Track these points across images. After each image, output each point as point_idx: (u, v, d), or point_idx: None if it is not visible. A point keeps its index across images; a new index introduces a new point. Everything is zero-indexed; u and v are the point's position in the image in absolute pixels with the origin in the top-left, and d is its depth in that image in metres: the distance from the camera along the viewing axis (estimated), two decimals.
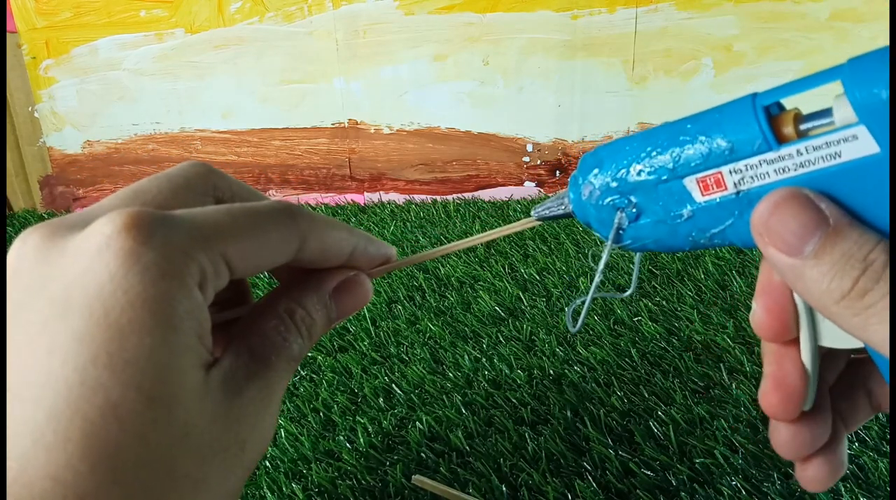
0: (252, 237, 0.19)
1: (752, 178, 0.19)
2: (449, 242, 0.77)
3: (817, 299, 0.18)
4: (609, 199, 0.22)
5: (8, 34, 0.95)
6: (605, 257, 0.23)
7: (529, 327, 0.56)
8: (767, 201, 0.18)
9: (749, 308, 0.57)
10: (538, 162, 0.97)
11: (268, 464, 0.43)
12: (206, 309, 0.18)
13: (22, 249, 0.18)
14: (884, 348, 0.17)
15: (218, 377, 0.19)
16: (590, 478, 0.40)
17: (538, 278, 0.66)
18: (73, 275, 0.17)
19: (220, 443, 0.18)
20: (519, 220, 0.25)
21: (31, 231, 0.18)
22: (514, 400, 0.47)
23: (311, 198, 1.02)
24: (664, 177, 0.20)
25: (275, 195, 1.02)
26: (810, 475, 0.23)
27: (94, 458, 0.16)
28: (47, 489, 0.16)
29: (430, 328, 0.57)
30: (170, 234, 0.17)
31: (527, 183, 0.98)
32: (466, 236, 0.78)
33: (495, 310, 0.60)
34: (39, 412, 0.16)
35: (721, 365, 0.49)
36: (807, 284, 0.18)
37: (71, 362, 0.16)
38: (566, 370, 0.50)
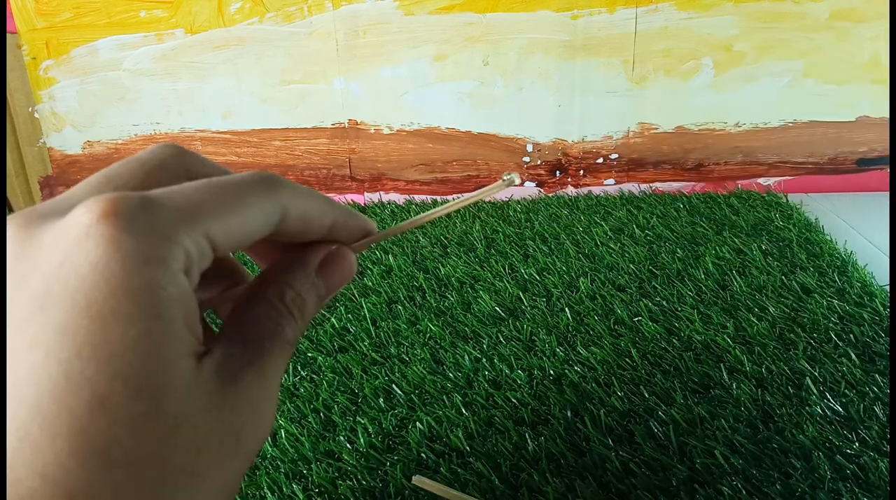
0: (234, 212, 0.19)
1: None
2: (449, 242, 0.77)
3: None
4: None
5: (8, 35, 0.95)
6: None
7: (529, 327, 0.56)
8: None
9: (749, 308, 0.57)
10: (538, 162, 0.97)
11: (268, 464, 0.43)
12: (193, 295, 0.18)
13: None
14: None
15: (211, 366, 0.18)
16: (590, 478, 0.40)
17: (538, 278, 0.66)
18: (52, 267, 0.16)
19: (214, 434, 0.18)
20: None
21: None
22: (515, 400, 0.47)
23: None
24: None
25: None
26: None
27: (84, 453, 0.16)
28: (35, 487, 0.15)
29: (431, 329, 0.57)
30: (151, 219, 0.17)
31: (527, 183, 0.98)
32: (466, 237, 0.78)
33: (495, 310, 0.60)
34: (24, 409, 0.15)
35: (721, 365, 0.49)
36: None
37: (54, 355, 0.16)
38: (566, 370, 0.50)
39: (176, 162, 0.21)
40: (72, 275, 0.16)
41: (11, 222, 0.18)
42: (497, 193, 0.24)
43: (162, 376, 0.17)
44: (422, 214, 0.25)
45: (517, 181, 0.24)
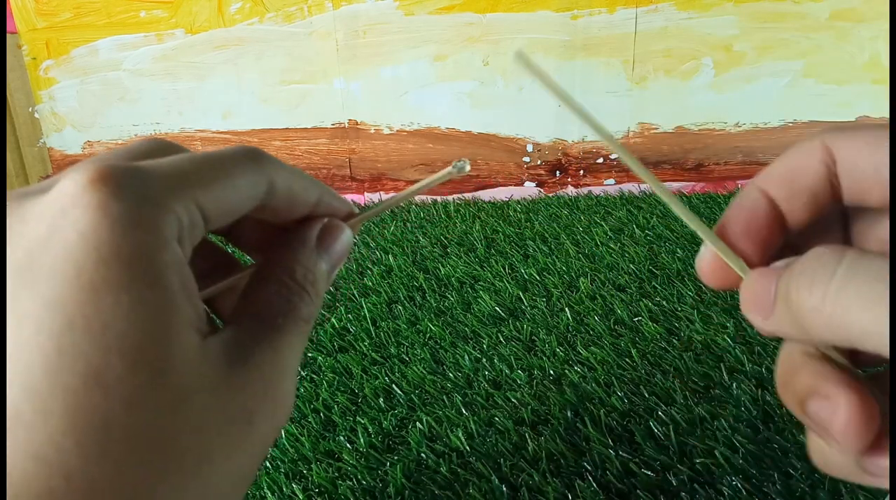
0: (222, 182, 0.18)
1: None
2: (449, 242, 0.77)
3: (795, 323, 0.17)
4: None
5: (8, 35, 0.95)
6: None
7: (529, 327, 0.56)
8: (742, 288, 0.20)
9: None
10: (538, 162, 0.97)
11: (268, 464, 0.43)
12: (188, 266, 0.17)
13: None
14: (865, 338, 0.15)
15: (218, 345, 0.17)
16: (590, 478, 0.40)
17: (538, 278, 0.66)
18: (37, 239, 0.16)
19: (223, 414, 0.17)
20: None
21: None
22: (515, 400, 0.47)
23: None
24: None
25: None
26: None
27: (80, 432, 0.15)
28: (29, 470, 0.14)
29: (431, 329, 0.57)
30: (140, 184, 0.16)
31: (527, 183, 0.98)
32: (466, 237, 0.78)
33: (495, 310, 0.60)
34: (14, 387, 0.15)
35: (721, 365, 0.49)
36: (782, 316, 0.18)
37: (45, 329, 0.15)
38: (566, 370, 0.50)
39: (164, 153, 0.20)
40: (59, 245, 0.15)
41: None
42: (447, 180, 0.23)
43: (161, 348, 0.16)
44: (397, 194, 0.24)
45: (467, 169, 0.23)
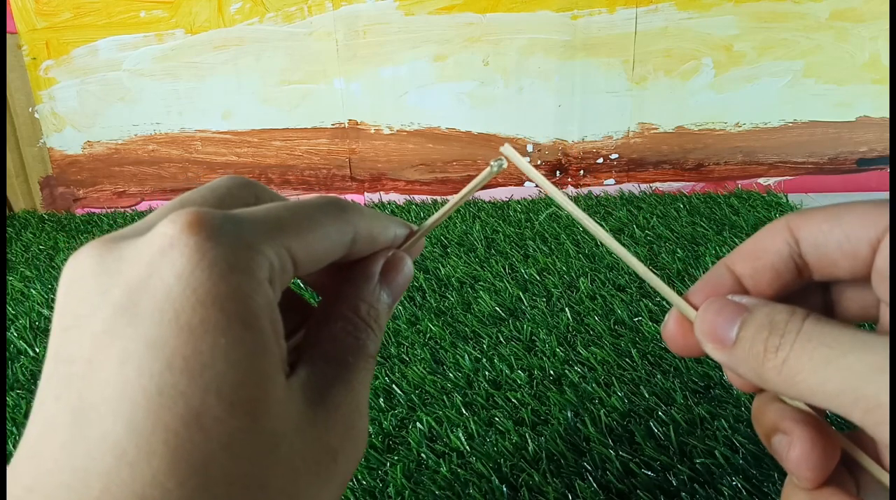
0: (312, 230, 0.19)
1: None
2: (449, 242, 0.77)
3: (754, 375, 0.18)
4: None
5: (8, 35, 0.95)
6: None
7: (530, 328, 0.56)
8: (698, 314, 0.20)
9: None
10: (538, 162, 0.97)
11: None
12: (277, 308, 0.18)
13: (74, 264, 0.17)
14: (814, 399, 0.17)
15: (299, 385, 0.18)
16: (590, 478, 0.40)
17: (538, 278, 0.66)
18: (137, 279, 0.16)
19: (311, 455, 0.17)
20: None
21: (82, 247, 0.17)
22: (515, 400, 0.47)
23: None
24: None
25: None
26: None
27: (182, 473, 0.15)
28: None
29: (431, 329, 0.57)
30: (235, 229, 0.17)
31: (527, 183, 0.98)
32: (466, 237, 0.78)
33: (495, 310, 0.60)
34: (119, 426, 0.15)
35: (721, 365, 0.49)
36: (740, 364, 0.19)
37: (146, 369, 0.15)
38: (566, 371, 0.50)
39: (244, 191, 0.21)
40: (158, 286, 0.16)
41: (88, 246, 0.17)
42: (490, 179, 0.24)
43: (255, 390, 0.16)
44: (440, 211, 0.25)
45: (506, 164, 0.24)
